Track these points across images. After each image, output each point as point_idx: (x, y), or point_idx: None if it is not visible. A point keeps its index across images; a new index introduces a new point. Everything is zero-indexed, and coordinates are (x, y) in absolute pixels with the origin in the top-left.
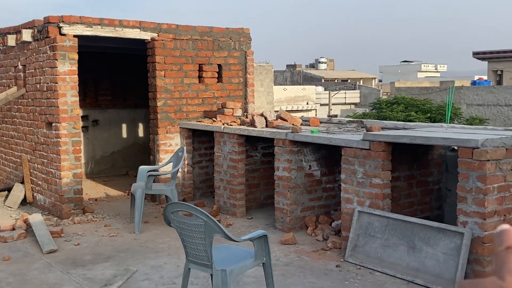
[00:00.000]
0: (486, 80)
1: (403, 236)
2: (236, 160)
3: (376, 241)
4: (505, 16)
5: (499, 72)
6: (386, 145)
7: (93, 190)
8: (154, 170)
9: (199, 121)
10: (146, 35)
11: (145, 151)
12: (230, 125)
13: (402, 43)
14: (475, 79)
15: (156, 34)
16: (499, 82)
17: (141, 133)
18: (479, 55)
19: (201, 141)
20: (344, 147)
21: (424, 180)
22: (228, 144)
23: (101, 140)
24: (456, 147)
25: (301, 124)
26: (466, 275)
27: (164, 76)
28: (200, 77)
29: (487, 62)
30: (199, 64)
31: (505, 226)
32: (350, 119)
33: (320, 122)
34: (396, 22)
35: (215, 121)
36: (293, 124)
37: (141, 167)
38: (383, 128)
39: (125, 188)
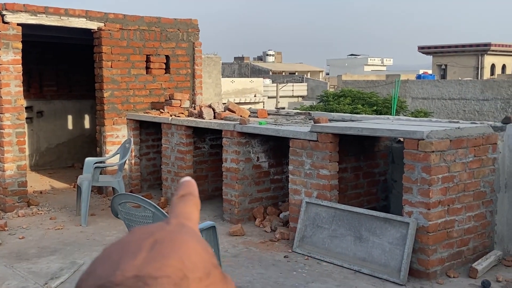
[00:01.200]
0: (430, 74)
1: (350, 227)
2: (184, 151)
3: (324, 231)
4: (449, 12)
5: (443, 67)
6: (333, 137)
7: (38, 182)
8: (100, 162)
9: (147, 113)
10: (93, 25)
11: (91, 143)
12: (178, 116)
13: (350, 36)
14: (420, 73)
15: (103, 24)
16: (443, 76)
17: (87, 124)
18: (424, 50)
19: (149, 132)
20: (292, 139)
21: (371, 171)
22: (176, 135)
23: (46, 132)
24: (401, 139)
25: (249, 116)
26: (412, 263)
27: (111, 67)
28: (147, 68)
29: (431, 56)
30: (147, 55)
31: (187, 178)
32: (298, 111)
33: (268, 114)
34: (344, 15)
35: (162, 112)
36: (241, 116)
37: (87, 158)
38: (330, 120)
39: (71, 181)
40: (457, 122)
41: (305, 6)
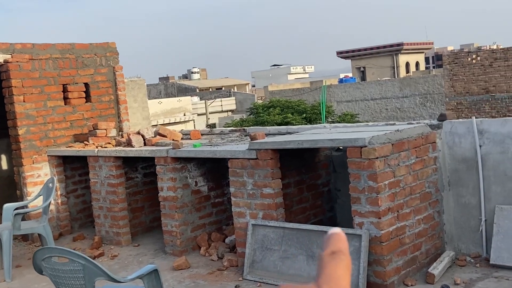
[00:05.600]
0: (351, 77)
1: (301, 245)
2: (115, 184)
3: (274, 254)
4: (363, 16)
5: (362, 69)
6: (273, 153)
7: None
8: (22, 207)
9: (70, 146)
10: None
11: (11, 185)
12: (105, 147)
13: (271, 47)
14: (341, 77)
15: (10, 56)
16: (363, 78)
17: (4, 165)
18: (343, 54)
19: (74, 167)
20: (230, 159)
21: (314, 183)
22: (104, 168)
23: None
24: (341, 147)
25: (182, 139)
26: (368, 277)
27: (24, 101)
28: (65, 98)
29: (350, 60)
30: (63, 85)
31: (336, 230)
32: (232, 128)
33: (202, 134)
34: (262, 27)
35: (87, 144)
36: (173, 140)
37: (5, 205)
38: (267, 135)
39: None
40: (394, 124)
41: (224, 20)
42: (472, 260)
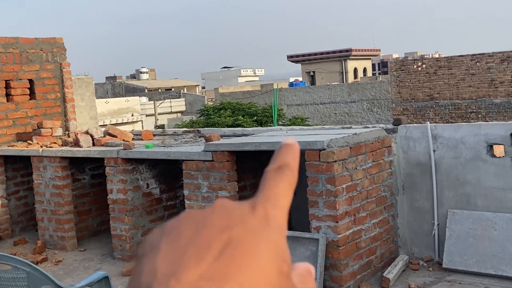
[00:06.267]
0: (301, 81)
1: None
2: (61, 186)
3: None
4: (313, 21)
5: (311, 73)
6: (230, 155)
7: None
8: None
9: (12, 146)
10: None
11: None
12: (50, 147)
13: (221, 49)
14: (291, 81)
15: None
16: (313, 83)
17: None
18: (293, 58)
19: (16, 168)
20: (185, 160)
21: None
22: (49, 169)
23: None
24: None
25: (133, 139)
26: (324, 281)
27: None
28: (8, 95)
29: (300, 64)
30: (6, 81)
31: (289, 140)
32: (186, 129)
33: (154, 135)
34: (215, 28)
35: (31, 143)
36: (124, 140)
37: None
38: (222, 136)
39: None
40: (350, 127)
41: (174, 21)
42: (425, 264)
